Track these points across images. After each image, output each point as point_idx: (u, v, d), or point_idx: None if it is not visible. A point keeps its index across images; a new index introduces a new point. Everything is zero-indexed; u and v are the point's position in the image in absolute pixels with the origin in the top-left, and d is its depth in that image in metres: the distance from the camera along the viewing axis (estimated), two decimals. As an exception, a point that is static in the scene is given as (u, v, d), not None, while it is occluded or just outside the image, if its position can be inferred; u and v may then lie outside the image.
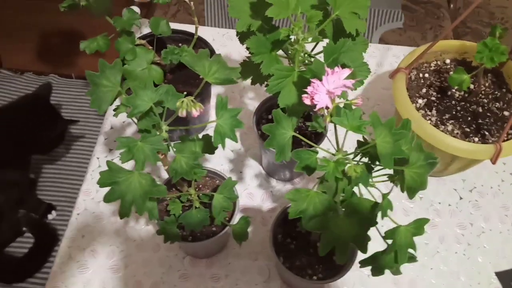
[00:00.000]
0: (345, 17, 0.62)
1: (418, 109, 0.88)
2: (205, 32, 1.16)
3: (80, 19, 1.62)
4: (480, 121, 0.86)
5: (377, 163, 0.54)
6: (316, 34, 0.62)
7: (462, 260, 0.89)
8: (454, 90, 0.91)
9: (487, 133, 0.85)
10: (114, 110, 0.59)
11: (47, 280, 0.85)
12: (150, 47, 0.84)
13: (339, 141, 0.56)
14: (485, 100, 0.89)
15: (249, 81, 0.74)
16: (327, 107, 0.49)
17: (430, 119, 0.86)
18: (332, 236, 0.54)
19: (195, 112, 0.52)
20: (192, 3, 0.79)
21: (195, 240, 0.75)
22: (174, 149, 0.62)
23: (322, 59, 0.62)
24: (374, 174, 0.56)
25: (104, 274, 0.85)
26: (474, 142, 0.83)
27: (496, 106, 0.89)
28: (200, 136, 0.65)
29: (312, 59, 0.64)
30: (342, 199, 0.56)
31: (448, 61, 0.95)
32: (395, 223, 0.55)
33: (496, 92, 0.90)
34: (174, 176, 0.59)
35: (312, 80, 0.49)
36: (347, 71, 0.48)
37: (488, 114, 0.87)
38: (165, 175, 0.93)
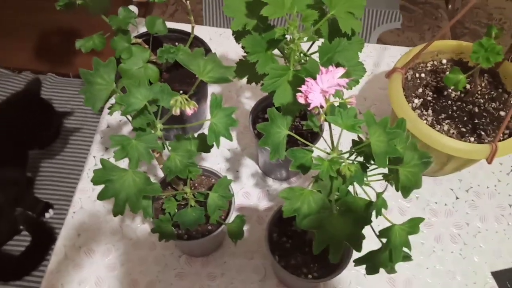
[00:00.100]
0: (341, 17, 0.62)
1: (414, 109, 0.88)
2: (202, 32, 1.16)
3: (78, 18, 1.62)
4: (476, 121, 0.86)
5: (372, 162, 0.54)
6: (311, 33, 0.62)
7: (458, 259, 0.89)
8: (450, 90, 0.91)
9: (483, 133, 0.85)
10: (109, 108, 0.59)
11: (43, 278, 0.85)
12: (146, 46, 0.84)
13: (334, 140, 0.56)
14: (481, 100, 0.90)
15: (246, 80, 0.74)
16: (321, 106, 0.49)
17: (426, 119, 0.86)
18: (326, 234, 0.54)
19: (189, 111, 0.52)
20: (188, 2, 0.79)
21: (191, 239, 0.75)
22: (169, 148, 0.63)
23: (317, 59, 0.62)
24: (369, 173, 0.56)
25: (99, 273, 0.85)
26: (470, 142, 0.83)
27: (492, 106, 0.89)
28: (197, 135, 0.65)
29: (308, 59, 0.64)
30: (336, 198, 0.56)
31: (444, 61, 0.95)
32: (389, 222, 0.55)
33: (492, 92, 0.91)
34: (168, 174, 0.60)
35: (306, 79, 0.49)
36: (341, 70, 0.48)
37: (484, 114, 0.88)
38: (161, 174, 0.93)
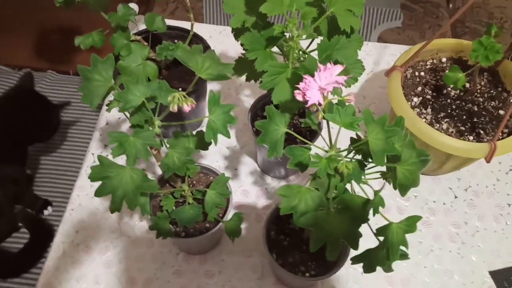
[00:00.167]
0: (340, 14, 0.62)
1: (413, 107, 0.87)
2: (202, 29, 1.16)
3: (78, 15, 1.62)
4: (475, 119, 0.86)
5: (370, 160, 0.54)
6: (310, 31, 0.62)
7: (456, 259, 0.89)
8: (449, 89, 0.90)
9: (482, 131, 0.85)
10: (107, 105, 0.59)
11: (40, 275, 0.85)
12: (146, 43, 0.84)
13: (333, 138, 0.55)
14: (481, 99, 0.89)
15: (245, 78, 0.73)
16: (319, 104, 0.49)
17: (425, 118, 0.86)
18: (323, 232, 0.53)
19: (186, 107, 0.51)
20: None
21: (188, 236, 0.75)
22: (168, 145, 0.62)
23: (317, 57, 0.62)
24: (367, 172, 0.56)
25: (97, 270, 0.85)
26: (469, 140, 0.83)
27: (492, 105, 0.89)
28: (195, 133, 0.65)
29: (307, 56, 0.64)
30: (334, 196, 0.56)
31: (444, 59, 0.94)
32: (387, 220, 0.54)
33: (492, 91, 0.90)
34: (166, 171, 0.59)
35: (305, 76, 0.49)
36: (339, 68, 0.48)
37: (484, 113, 0.87)
38: (159, 172, 0.93)
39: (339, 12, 0.62)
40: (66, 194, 1.63)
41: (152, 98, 0.56)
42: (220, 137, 0.57)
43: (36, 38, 2.03)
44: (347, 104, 0.53)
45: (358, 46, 0.66)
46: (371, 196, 0.55)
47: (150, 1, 2.14)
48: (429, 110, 0.87)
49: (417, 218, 0.54)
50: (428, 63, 0.94)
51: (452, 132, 0.85)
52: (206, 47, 0.93)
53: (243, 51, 0.66)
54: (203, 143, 0.65)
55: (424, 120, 0.85)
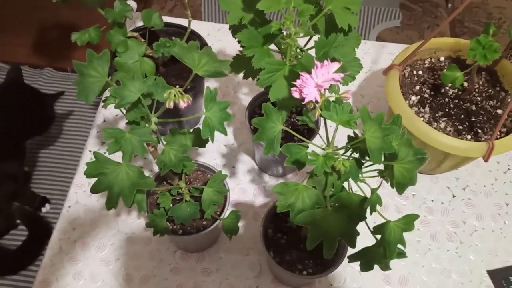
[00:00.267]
0: (338, 12, 0.62)
1: (411, 106, 0.87)
2: (200, 27, 1.16)
3: (76, 13, 1.62)
4: (473, 119, 0.86)
5: (367, 158, 0.54)
6: (308, 28, 0.61)
7: (454, 258, 0.89)
8: (447, 88, 0.90)
9: (480, 131, 0.85)
10: (103, 101, 0.59)
11: (38, 272, 0.85)
12: (143, 40, 0.84)
13: (330, 136, 0.55)
14: (479, 98, 0.89)
15: (242, 75, 0.73)
16: (316, 101, 0.49)
17: (423, 116, 0.86)
18: (320, 230, 0.53)
19: (182, 104, 0.51)
20: (185, -4, 0.79)
21: (186, 234, 0.75)
22: (164, 142, 0.62)
23: (314, 54, 0.62)
24: (364, 170, 0.56)
25: (94, 267, 0.85)
26: (466, 140, 0.83)
27: (490, 104, 0.89)
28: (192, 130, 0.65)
29: (304, 53, 0.63)
30: (331, 194, 0.56)
31: (442, 58, 0.94)
32: (384, 218, 0.54)
33: (490, 90, 0.90)
34: (162, 168, 0.59)
35: (301, 73, 0.48)
36: (336, 65, 0.48)
37: (481, 112, 0.87)
38: (157, 169, 0.93)
39: (337, 9, 0.62)
40: (64, 192, 1.63)
41: (148, 95, 0.56)
42: (218, 135, 0.57)
43: (34, 36, 2.03)
44: (344, 102, 0.53)
45: (356, 44, 0.66)
46: (368, 194, 0.55)
47: (149, -1, 2.14)
48: (427, 109, 0.87)
49: (415, 216, 0.54)
50: (426, 62, 0.94)
51: (450, 131, 0.84)
52: (204, 44, 0.93)
53: (241, 49, 0.65)
54: (200, 141, 0.65)
55: (422, 119, 0.85)
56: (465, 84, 0.89)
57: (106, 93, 0.58)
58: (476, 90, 0.90)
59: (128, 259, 0.86)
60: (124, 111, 0.56)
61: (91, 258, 0.86)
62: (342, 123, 0.51)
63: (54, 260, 0.85)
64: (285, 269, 0.72)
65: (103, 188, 0.54)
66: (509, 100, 0.89)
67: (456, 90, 0.90)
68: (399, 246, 0.54)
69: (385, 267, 0.57)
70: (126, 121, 0.56)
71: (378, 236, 0.54)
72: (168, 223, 0.73)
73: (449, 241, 0.91)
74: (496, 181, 0.98)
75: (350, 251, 0.56)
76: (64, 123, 1.78)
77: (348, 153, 0.56)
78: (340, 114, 0.51)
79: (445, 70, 0.87)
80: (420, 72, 0.92)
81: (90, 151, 0.98)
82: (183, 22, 0.97)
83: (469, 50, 0.75)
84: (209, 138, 0.56)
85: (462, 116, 0.87)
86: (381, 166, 0.54)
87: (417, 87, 0.90)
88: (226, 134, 0.57)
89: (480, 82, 0.91)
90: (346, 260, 0.60)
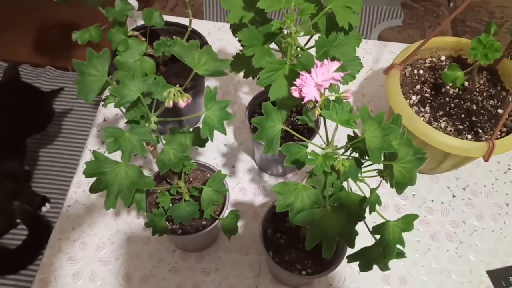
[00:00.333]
0: (338, 11, 0.62)
1: (411, 105, 0.87)
2: (201, 26, 1.15)
3: (77, 12, 1.62)
4: (473, 118, 0.86)
5: (367, 158, 0.54)
6: (309, 27, 0.61)
7: (454, 258, 0.89)
8: (448, 87, 0.90)
9: (480, 130, 0.84)
10: (103, 100, 0.58)
11: (37, 271, 0.85)
12: (143, 39, 0.84)
13: (329, 135, 0.55)
14: (479, 98, 0.89)
15: (243, 74, 0.73)
16: (315, 100, 0.49)
17: (423, 116, 0.85)
18: (319, 230, 0.53)
19: (181, 103, 0.51)
20: (186, -5, 0.79)
21: (185, 234, 0.75)
22: (164, 141, 0.62)
23: (315, 53, 0.62)
24: (364, 169, 0.55)
25: (93, 266, 0.85)
26: (467, 139, 0.83)
27: (490, 103, 0.88)
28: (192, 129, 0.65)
29: (304, 52, 0.63)
30: (330, 194, 0.56)
31: (443, 58, 0.94)
32: (383, 218, 0.54)
33: (491, 90, 0.90)
34: (161, 167, 0.59)
35: (301, 72, 0.48)
36: (336, 64, 0.48)
37: (482, 111, 0.87)
38: (156, 169, 0.93)
39: (338, 8, 0.61)
40: (64, 191, 1.63)
41: (148, 94, 0.56)
42: (218, 134, 0.57)
43: (35, 35, 2.03)
44: (344, 101, 0.52)
45: (357, 43, 0.66)
46: (368, 194, 0.55)
47: (150, -2, 2.14)
48: (427, 108, 0.87)
49: (414, 216, 0.54)
50: (427, 61, 0.94)
51: (450, 130, 0.84)
52: (204, 43, 0.93)
53: (241, 47, 0.65)
54: (200, 140, 0.65)
55: (422, 118, 0.85)
56: (466, 83, 0.89)
57: (106, 92, 0.58)
58: (477, 89, 0.90)
59: (128, 258, 0.86)
60: (124, 110, 0.56)
61: (90, 257, 0.86)
62: (342, 123, 0.51)
63: (53, 260, 0.85)
64: (284, 269, 0.71)
65: (102, 187, 0.54)
66: (510, 99, 0.89)
67: (456, 90, 0.90)
68: (398, 246, 0.54)
69: (384, 267, 0.57)
70: (126, 120, 0.56)
71: (377, 236, 0.54)
72: (167, 222, 0.73)
73: (449, 241, 0.91)
74: (497, 181, 0.98)
75: (349, 251, 0.56)
76: (65, 122, 1.78)
77: (348, 153, 0.56)
78: (340, 114, 0.51)
79: (446, 69, 0.87)
80: (421, 72, 0.92)
81: (90, 150, 0.97)
82: (184, 21, 0.97)
83: (470, 49, 0.75)
84: (209, 138, 0.55)
85: (463, 115, 0.86)
86: (380, 166, 0.54)
87: (418, 87, 0.90)
88: (225, 134, 0.57)
89: (481, 82, 0.91)
90: (345, 260, 0.60)
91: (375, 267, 0.57)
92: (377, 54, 1.16)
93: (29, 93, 1.48)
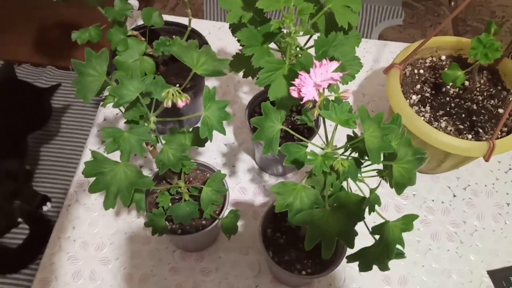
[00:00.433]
0: (338, 11, 0.61)
1: (412, 105, 0.87)
2: (201, 25, 1.15)
3: (78, 12, 1.62)
4: (474, 118, 0.86)
5: (366, 158, 0.54)
6: (308, 27, 0.61)
7: (454, 258, 0.89)
8: (448, 87, 0.90)
9: (480, 130, 0.84)
10: (103, 100, 0.58)
11: (37, 271, 0.85)
12: (143, 39, 0.84)
13: (329, 135, 0.55)
14: (480, 97, 0.89)
15: (242, 74, 0.73)
16: (315, 100, 0.49)
17: (423, 116, 0.85)
18: (318, 230, 0.53)
19: (180, 103, 0.51)
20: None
21: (184, 233, 0.75)
22: (163, 141, 0.62)
23: (314, 53, 0.62)
24: (363, 169, 0.55)
25: (93, 266, 0.85)
26: (467, 139, 0.83)
27: (491, 103, 0.88)
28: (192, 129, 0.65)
29: (303, 52, 0.63)
30: (330, 194, 0.56)
31: (443, 57, 0.94)
32: (383, 218, 0.54)
33: (491, 89, 0.90)
34: (161, 167, 0.59)
35: (300, 72, 0.48)
36: (335, 64, 0.48)
37: (483, 111, 0.87)
38: (156, 169, 0.93)
39: (337, 8, 0.61)
40: (65, 190, 1.63)
41: (147, 94, 0.56)
42: (218, 134, 0.57)
43: (36, 35, 2.03)
44: (343, 101, 0.52)
45: (356, 43, 0.66)
46: (367, 194, 0.55)
47: (150, -3, 2.14)
48: (427, 108, 0.87)
49: (414, 216, 0.54)
50: (427, 60, 0.94)
51: (451, 130, 0.84)
52: (204, 43, 0.93)
53: (240, 47, 0.65)
54: (199, 140, 0.65)
55: (422, 118, 0.84)
56: (466, 83, 0.89)
57: (106, 92, 0.58)
58: (477, 89, 0.90)
59: (128, 258, 0.86)
60: (123, 110, 0.56)
61: (90, 257, 0.86)
62: (341, 123, 0.51)
63: (54, 259, 0.85)
64: (284, 268, 0.71)
65: (100, 187, 0.54)
66: (511, 99, 0.88)
67: (457, 89, 0.90)
68: (398, 246, 0.54)
69: (384, 267, 0.57)
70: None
71: (377, 236, 0.54)
72: (167, 222, 0.73)
73: (450, 241, 0.90)
74: (497, 181, 0.98)
75: (349, 251, 0.56)
76: (66, 121, 1.78)
77: (347, 153, 0.56)
78: (339, 114, 0.51)
79: (446, 69, 0.87)
80: (421, 71, 0.92)
81: (90, 150, 0.97)
82: (184, 20, 0.97)
83: (470, 49, 0.74)
84: (208, 138, 0.55)
85: (463, 115, 0.86)
86: (380, 166, 0.54)
87: (418, 86, 0.90)
88: (224, 134, 0.57)
89: (482, 81, 0.91)
90: (345, 260, 0.60)
91: (375, 267, 0.56)
92: (377, 53, 1.16)
93: (26, 91, 1.47)
